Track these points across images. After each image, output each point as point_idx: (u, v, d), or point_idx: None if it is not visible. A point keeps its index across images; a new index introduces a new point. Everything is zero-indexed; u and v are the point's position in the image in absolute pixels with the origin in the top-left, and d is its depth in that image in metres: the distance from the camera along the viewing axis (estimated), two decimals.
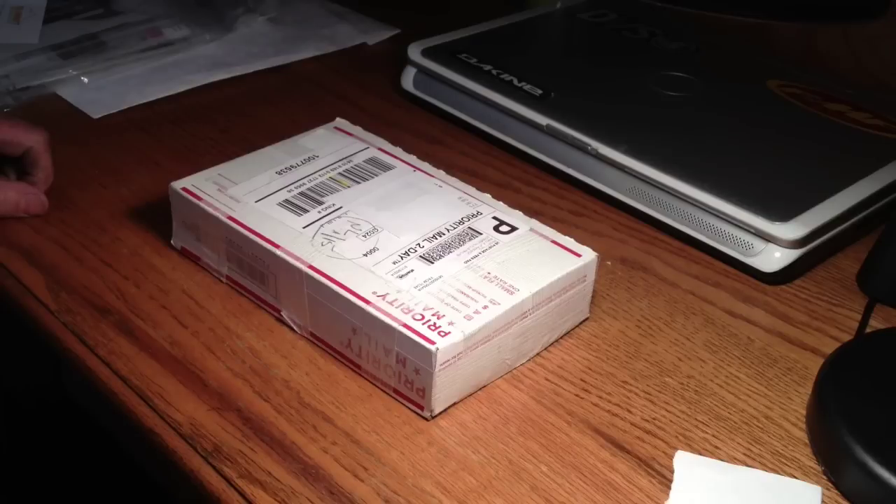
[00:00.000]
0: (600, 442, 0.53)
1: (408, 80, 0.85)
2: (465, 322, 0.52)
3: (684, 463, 0.51)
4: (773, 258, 0.65)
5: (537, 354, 0.59)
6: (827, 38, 0.92)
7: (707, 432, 0.54)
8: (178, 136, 0.80)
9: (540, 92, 0.78)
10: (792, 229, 0.64)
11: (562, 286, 0.57)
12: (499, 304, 0.54)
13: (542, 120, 0.75)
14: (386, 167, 0.66)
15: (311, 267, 0.56)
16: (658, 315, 0.63)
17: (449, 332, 0.52)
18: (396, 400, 0.54)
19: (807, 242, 0.65)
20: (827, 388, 0.53)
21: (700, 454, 0.52)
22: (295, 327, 0.59)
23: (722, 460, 0.52)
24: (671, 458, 0.52)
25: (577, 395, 0.56)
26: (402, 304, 0.53)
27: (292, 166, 0.65)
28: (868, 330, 0.62)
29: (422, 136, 0.81)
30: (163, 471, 0.53)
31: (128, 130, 0.80)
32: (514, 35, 0.89)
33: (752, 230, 0.65)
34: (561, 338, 0.60)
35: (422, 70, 0.84)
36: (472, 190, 0.64)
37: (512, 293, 0.55)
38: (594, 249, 0.60)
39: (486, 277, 0.56)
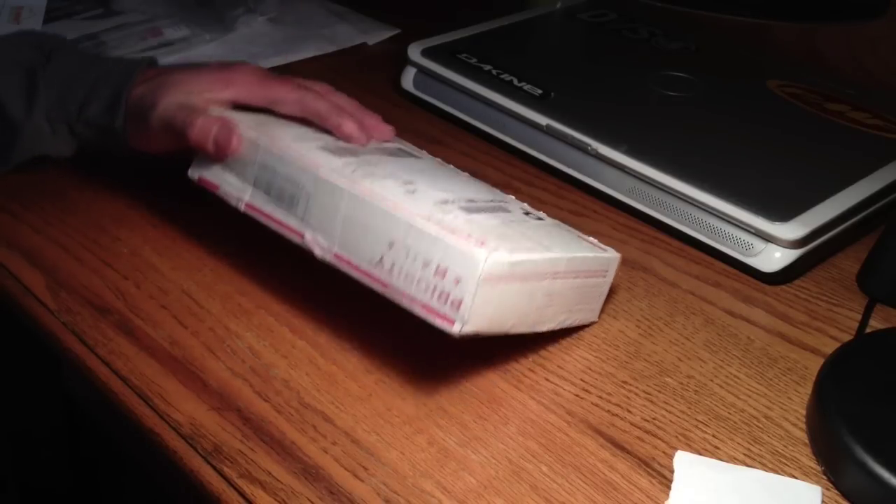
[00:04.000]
0: (600, 442, 0.53)
1: (408, 80, 0.85)
2: (509, 251, 0.52)
3: (684, 463, 0.51)
4: (773, 258, 0.65)
5: (541, 350, 0.59)
6: (827, 38, 0.92)
7: (707, 432, 0.54)
8: None
9: (540, 92, 0.78)
10: (792, 229, 0.64)
11: (588, 267, 0.58)
12: (538, 251, 0.54)
13: (542, 120, 0.75)
14: (415, 155, 0.65)
15: (353, 184, 0.55)
16: (658, 315, 0.63)
17: (497, 250, 0.51)
18: (422, 318, 0.52)
19: (807, 242, 0.65)
20: (827, 388, 0.53)
21: (700, 454, 0.52)
22: (317, 249, 0.57)
23: (722, 460, 0.52)
24: (671, 458, 0.52)
25: (577, 395, 0.56)
26: (448, 224, 0.53)
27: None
28: (868, 330, 0.62)
29: (422, 136, 0.81)
30: (163, 471, 0.53)
31: None
32: (514, 35, 0.89)
33: (752, 230, 0.65)
34: (567, 333, 0.60)
35: (422, 70, 0.84)
36: (498, 190, 0.64)
37: (549, 250, 0.55)
38: None
39: (523, 235, 0.56)
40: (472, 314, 0.51)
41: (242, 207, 0.61)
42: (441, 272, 0.51)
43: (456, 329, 0.51)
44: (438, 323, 0.51)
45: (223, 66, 0.66)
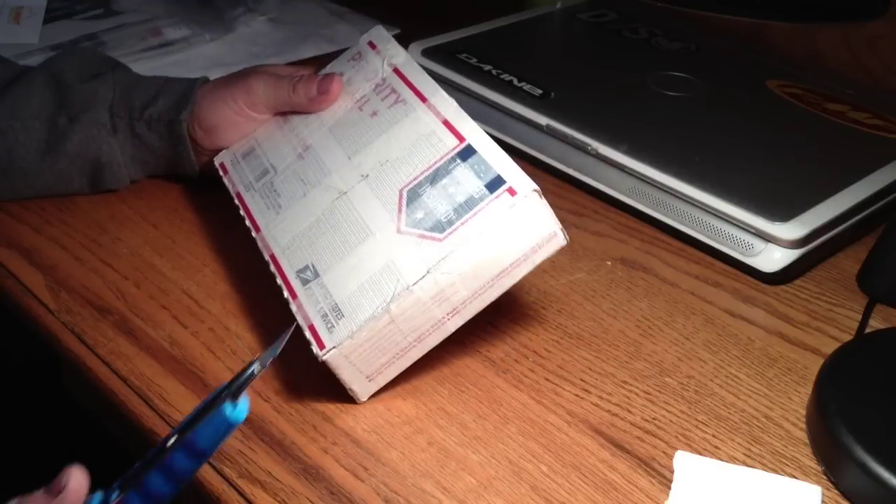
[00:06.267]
0: (600, 442, 0.53)
1: None
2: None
3: (684, 463, 0.51)
4: (773, 258, 0.65)
5: (541, 350, 0.59)
6: (827, 38, 0.92)
7: (707, 432, 0.54)
8: None
9: (540, 92, 0.78)
10: (792, 229, 0.64)
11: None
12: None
13: (542, 120, 0.75)
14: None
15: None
16: (658, 315, 0.63)
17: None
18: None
19: (807, 242, 0.65)
20: (827, 388, 0.53)
21: (700, 454, 0.52)
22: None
23: (722, 460, 0.52)
24: (671, 458, 0.52)
25: (577, 395, 0.56)
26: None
27: None
28: (868, 330, 0.62)
29: None
30: None
31: None
32: (514, 35, 0.89)
33: (752, 230, 0.65)
34: (567, 333, 0.60)
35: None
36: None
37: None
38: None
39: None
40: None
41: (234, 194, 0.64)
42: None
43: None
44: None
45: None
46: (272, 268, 0.57)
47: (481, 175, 0.54)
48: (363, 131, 0.61)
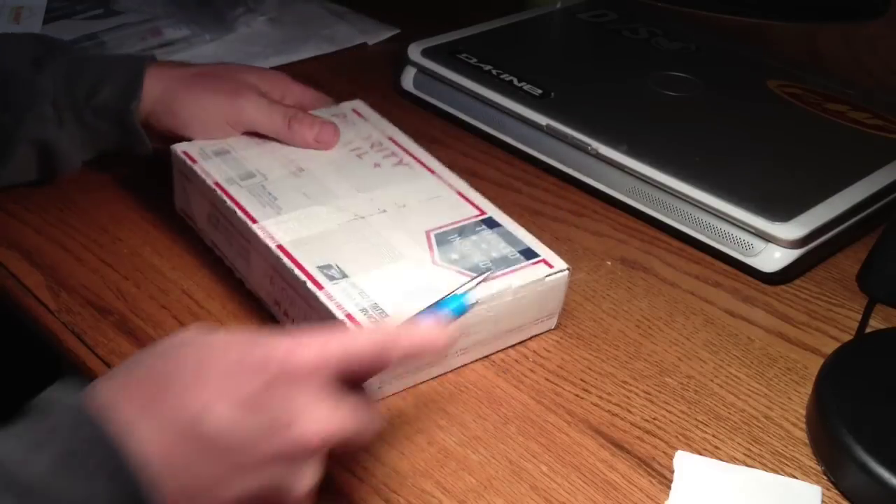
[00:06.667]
0: (600, 442, 0.53)
1: (408, 79, 0.85)
2: None
3: (684, 463, 0.51)
4: (773, 258, 0.65)
5: (541, 350, 0.59)
6: (827, 38, 0.92)
7: (707, 432, 0.54)
8: None
9: (540, 92, 0.78)
10: (792, 229, 0.64)
11: None
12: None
13: (542, 120, 0.75)
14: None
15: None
16: (658, 315, 0.63)
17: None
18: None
19: (807, 242, 0.65)
20: (827, 388, 0.53)
21: (700, 454, 0.52)
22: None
23: (722, 460, 0.52)
24: (671, 458, 0.52)
25: (577, 395, 0.56)
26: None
27: None
28: (868, 330, 0.62)
29: (422, 136, 0.80)
30: None
31: None
32: (514, 35, 0.89)
33: (752, 230, 0.65)
34: (567, 333, 0.60)
35: (422, 70, 0.84)
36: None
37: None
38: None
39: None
40: None
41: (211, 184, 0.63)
42: None
43: None
44: None
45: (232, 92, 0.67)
46: (283, 258, 0.57)
47: (511, 244, 0.59)
48: (368, 174, 0.65)
